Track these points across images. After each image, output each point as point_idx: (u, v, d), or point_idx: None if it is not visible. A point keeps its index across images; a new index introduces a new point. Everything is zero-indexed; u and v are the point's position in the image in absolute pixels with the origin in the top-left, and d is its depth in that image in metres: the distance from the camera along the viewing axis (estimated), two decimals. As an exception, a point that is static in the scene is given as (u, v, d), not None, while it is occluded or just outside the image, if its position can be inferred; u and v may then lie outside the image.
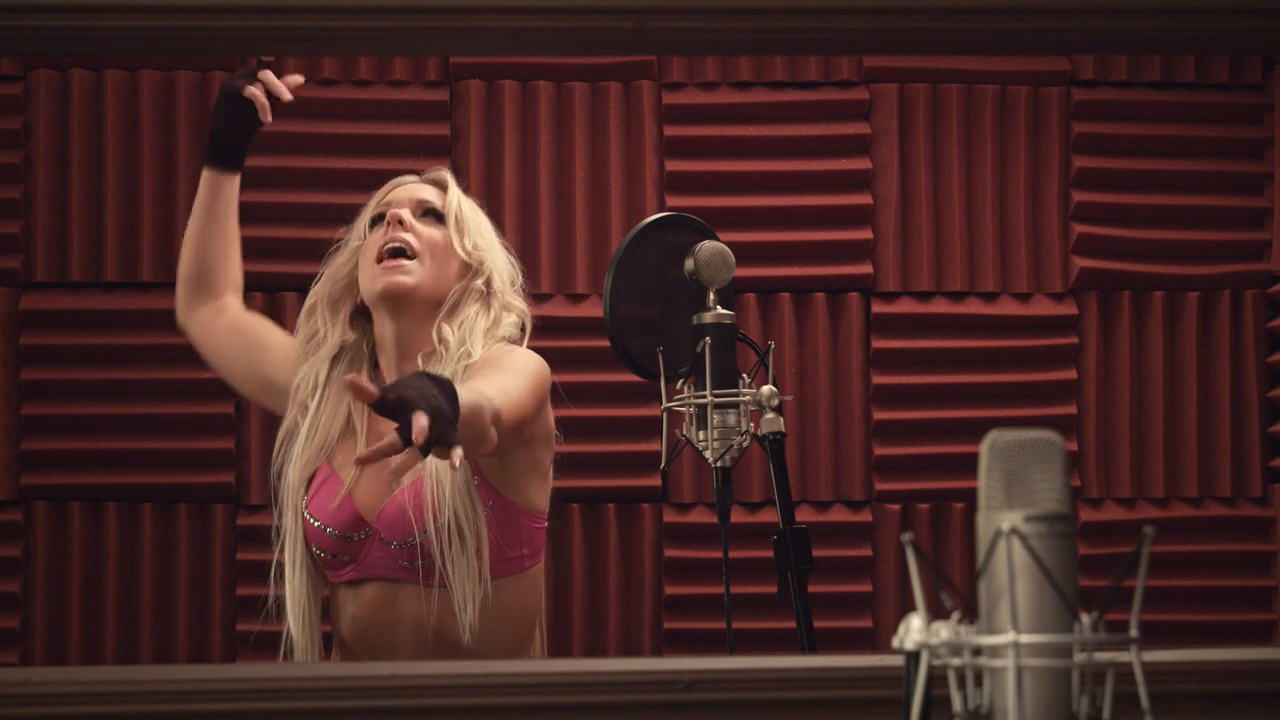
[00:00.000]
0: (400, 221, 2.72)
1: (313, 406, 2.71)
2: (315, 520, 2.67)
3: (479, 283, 2.74)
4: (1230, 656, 1.98)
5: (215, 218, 2.83)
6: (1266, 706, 1.89)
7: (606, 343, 2.71)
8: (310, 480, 2.70)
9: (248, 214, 3.64)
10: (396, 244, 2.71)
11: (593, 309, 3.56)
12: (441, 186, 2.81)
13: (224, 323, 2.84)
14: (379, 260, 2.71)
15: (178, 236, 3.60)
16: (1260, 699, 1.90)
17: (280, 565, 2.71)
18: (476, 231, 2.78)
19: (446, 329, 2.69)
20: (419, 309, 2.71)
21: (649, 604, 3.63)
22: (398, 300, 2.70)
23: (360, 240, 2.79)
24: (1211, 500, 3.71)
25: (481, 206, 2.83)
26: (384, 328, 2.74)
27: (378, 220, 2.77)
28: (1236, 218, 3.75)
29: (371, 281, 2.72)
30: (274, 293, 3.57)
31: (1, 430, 3.55)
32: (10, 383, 3.58)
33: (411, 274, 2.70)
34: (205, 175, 2.83)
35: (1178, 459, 3.71)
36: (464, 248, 2.74)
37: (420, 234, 2.73)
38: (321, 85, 3.66)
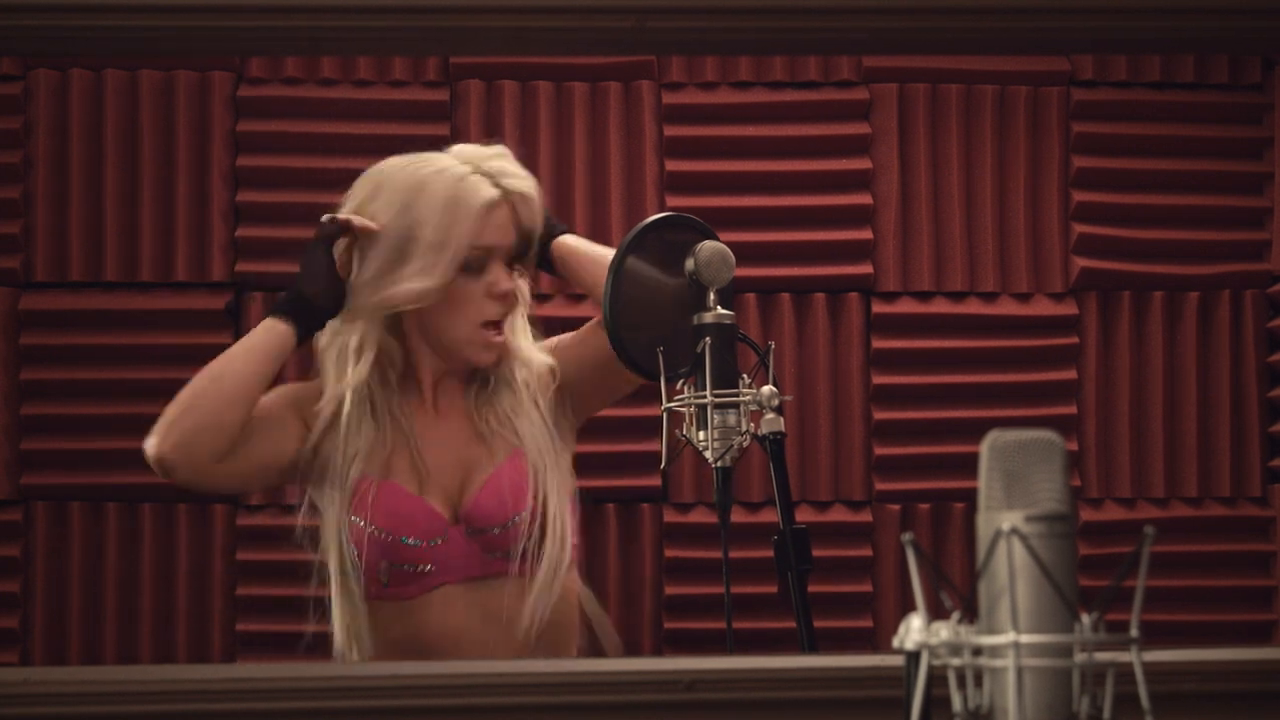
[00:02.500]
0: (512, 297, 2.67)
1: (352, 415, 2.63)
2: (392, 535, 2.61)
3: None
4: (1230, 656, 1.98)
5: (266, 378, 2.61)
6: (1266, 706, 1.89)
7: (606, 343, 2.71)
8: (352, 497, 2.63)
9: (248, 214, 3.66)
10: (501, 320, 2.67)
11: (593, 309, 3.56)
12: (532, 209, 2.69)
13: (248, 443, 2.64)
14: (484, 325, 2.66)
15: (177, 236, 3.62)
16: (1260, 699, 1.90)
17: (323, 569, 2.65)
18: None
19: (519, 366, 2.70)
20: None
21: (649, 604, 3.63)
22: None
23: (446, 272, 2.61)
24: (1211, 500, 3.71)
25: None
26: (430, 357, 2.70)
27: (473, 266, 2.64)
28: (1236, 218, 3.75)
29: (471, 348, 2.66)
30: (274, 292, 3.57)
31: (1, 430, 3.55)
32: (10, 383, 3.58)
33: (506, 340, 2.69)
34: (282, 331, 2.60)
35: (1178, 459, 3.71)
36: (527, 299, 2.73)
37: (518, 300, 2.69)
38: (321, 85, 3.66)
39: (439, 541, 2.61)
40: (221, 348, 3.59)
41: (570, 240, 2.76)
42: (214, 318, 3.60)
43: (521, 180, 2.68)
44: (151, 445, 2.58)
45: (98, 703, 1.88)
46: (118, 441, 3.56)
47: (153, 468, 2.58)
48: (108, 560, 3.55)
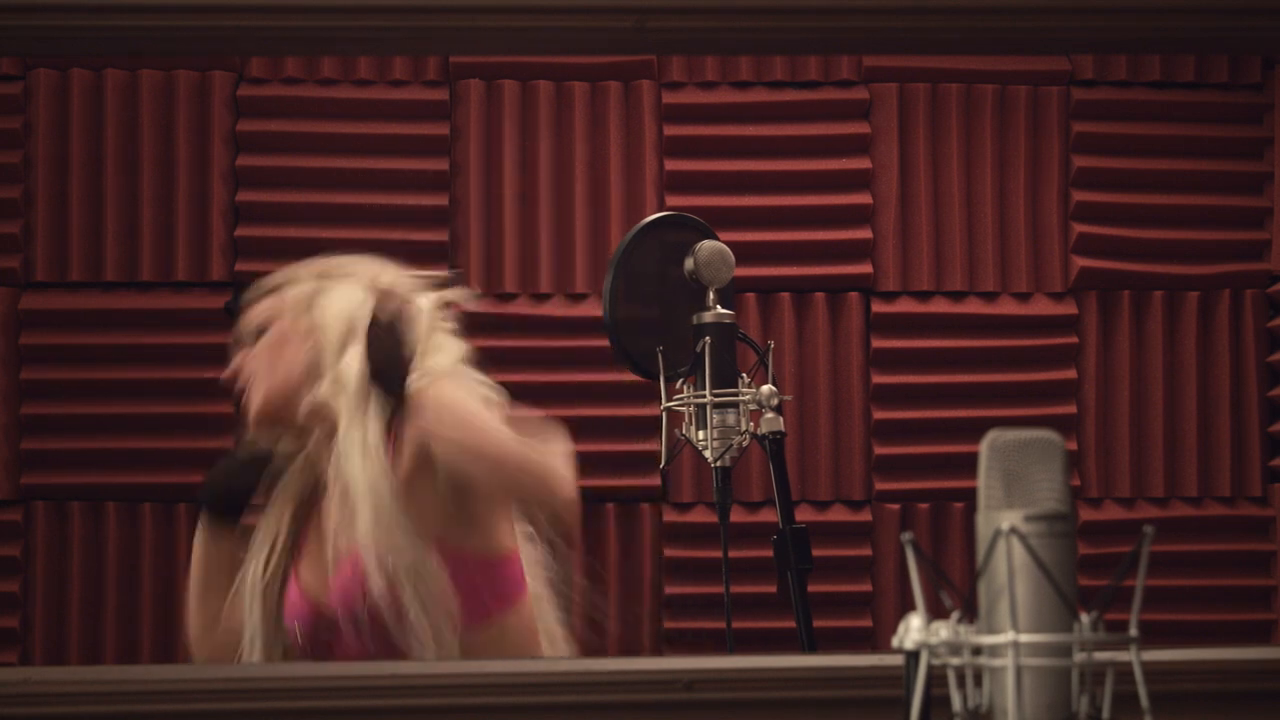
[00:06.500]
0: None
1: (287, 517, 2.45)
2: (317, 599, 2.46)
3: None
4: (1230, 656, 1.98)
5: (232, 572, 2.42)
6: (1266, 706, 1.89)
7: (606, 342, 2.71)
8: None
9: (248, 214, 3.66)
10: None
11: (593, 309, 3.56)
12: None
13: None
14: None
15: (177, 236, 3.62)
16: (1260, 699, 1.90)
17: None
18: None
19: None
20: None
21: (649, 604, 3.63)
22: None
23: None
24: (1211, 500, 3.71)
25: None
26: None
27: None
28: (1236, 218, 3.75)
29: None
30: (274, 292, 3.57)
31: (1, 430, 3.55)
32: (10, 382, 3.58)
33: None
34: (216, 533, 2.40)
35: (1177, 459, 3.71)
36: None
37: None
38: (321, 85, 3.67)
39: (325, 634, 2.53)
40: (220, 347, 3.60)
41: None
42: (214, 317, 3.59)
43: None
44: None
45: (98, 703, 1.87)
46: (117, 441, 3.57)
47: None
48: (108, 560, 3.55)
